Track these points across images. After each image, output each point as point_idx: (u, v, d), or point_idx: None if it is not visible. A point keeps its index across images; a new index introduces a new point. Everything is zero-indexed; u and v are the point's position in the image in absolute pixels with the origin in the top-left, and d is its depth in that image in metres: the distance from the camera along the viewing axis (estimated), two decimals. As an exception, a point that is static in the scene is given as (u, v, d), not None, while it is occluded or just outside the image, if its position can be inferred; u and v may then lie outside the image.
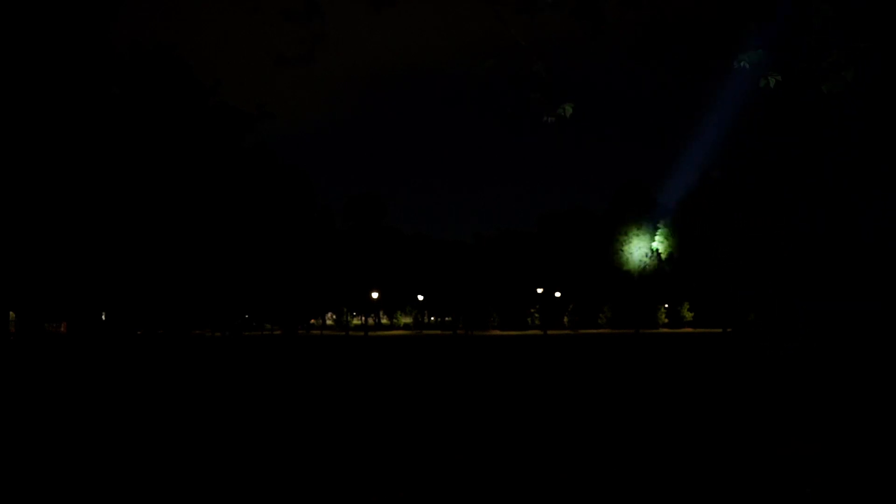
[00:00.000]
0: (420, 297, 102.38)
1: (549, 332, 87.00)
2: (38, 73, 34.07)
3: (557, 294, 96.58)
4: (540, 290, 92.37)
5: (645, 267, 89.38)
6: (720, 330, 79.18)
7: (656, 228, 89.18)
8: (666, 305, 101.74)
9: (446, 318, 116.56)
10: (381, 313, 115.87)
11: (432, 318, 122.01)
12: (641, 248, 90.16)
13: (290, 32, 5.51)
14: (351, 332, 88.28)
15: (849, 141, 44.13)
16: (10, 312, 46.71)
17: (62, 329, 71.86)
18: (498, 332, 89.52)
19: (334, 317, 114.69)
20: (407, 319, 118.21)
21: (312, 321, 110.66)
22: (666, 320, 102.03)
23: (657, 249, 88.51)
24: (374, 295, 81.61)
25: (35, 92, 34.20)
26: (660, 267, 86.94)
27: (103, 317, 50.59)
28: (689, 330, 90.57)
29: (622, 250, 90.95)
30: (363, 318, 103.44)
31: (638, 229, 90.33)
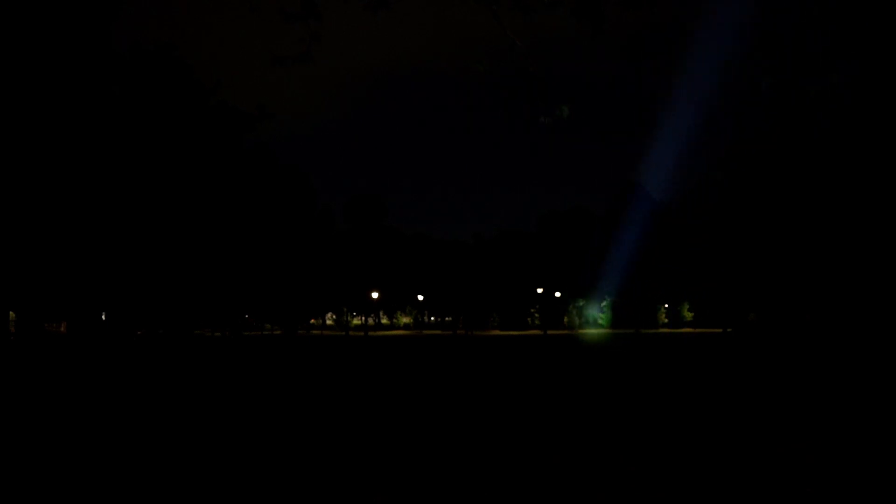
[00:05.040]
0: (420, 297, 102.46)
1: (549, 332, 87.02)
2: (39, 73, 34.12)
3: (557, 294, 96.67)
4: (540, 290, 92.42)
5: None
6: (720, 330, 79.23)
7: (655, 227, 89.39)
8: (666, 305, 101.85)
9: (446, 318, 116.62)
10: (381, 313, 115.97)
11: (432, 318, 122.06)
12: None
13: (289, 32, 5.53)
14: (351, 332, 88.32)
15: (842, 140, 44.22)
16: (10, 312, 46.75)
17: (62, 329, 71.90)
18: (498, 332, 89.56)
19: (334, 317, 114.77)
20: (407, 319, 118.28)
21: (312, 321, 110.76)
22: (666, 320, 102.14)
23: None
24: (374, 295, 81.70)
25: (36, 92, 34.24)
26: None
27: (103, 317, 50.62)
28: (689, 330, 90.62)
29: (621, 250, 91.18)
30: (363, 318, 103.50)
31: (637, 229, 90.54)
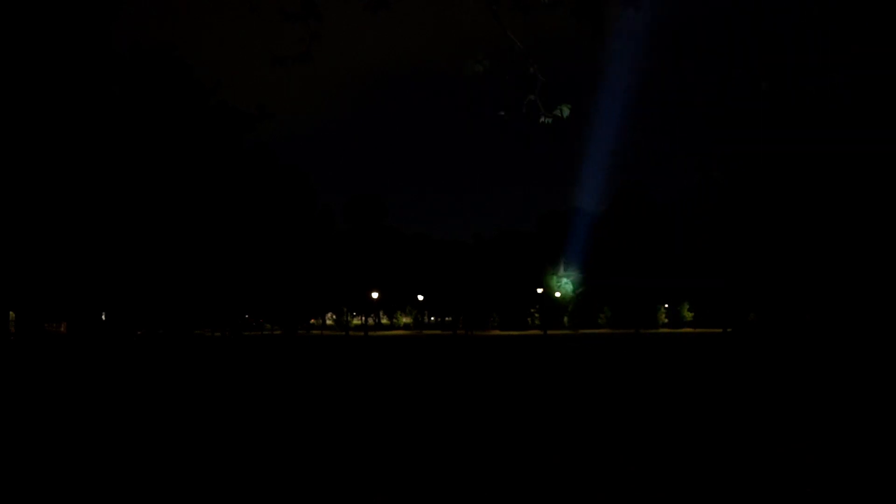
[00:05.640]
0: (420, 297, 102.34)
1: (549, 332, 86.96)
2: (39, 72, 34.10)
3: (557, 294, 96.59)
4: (540, 290, 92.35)
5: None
6: (720, 330, 79.17)
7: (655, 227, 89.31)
8: (666, 305, 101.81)
9: (446, 318, 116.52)
10: (381, 313, 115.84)
11: (432, 318, 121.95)
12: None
13: (289, 32, 5.53)
14: (351, 332, 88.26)
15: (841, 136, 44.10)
16: (10, 312, 46.72)
17: (62, 329, 71.84)
18: (498, 332, 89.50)
19: (334, 317, 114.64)
20: (407, 319, 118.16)
21: (312, 321, 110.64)
22: (666, 320, 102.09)
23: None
24: (374, 295, 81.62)
25: (36, 92, 34.22)
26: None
27: (103, 317, 50.58)
28: (689, 330, 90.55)
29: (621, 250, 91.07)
30: (363, 318, 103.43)
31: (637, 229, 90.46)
